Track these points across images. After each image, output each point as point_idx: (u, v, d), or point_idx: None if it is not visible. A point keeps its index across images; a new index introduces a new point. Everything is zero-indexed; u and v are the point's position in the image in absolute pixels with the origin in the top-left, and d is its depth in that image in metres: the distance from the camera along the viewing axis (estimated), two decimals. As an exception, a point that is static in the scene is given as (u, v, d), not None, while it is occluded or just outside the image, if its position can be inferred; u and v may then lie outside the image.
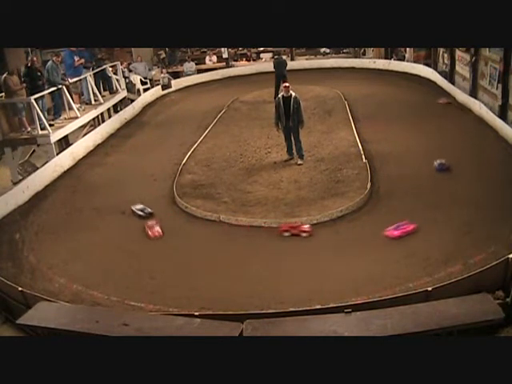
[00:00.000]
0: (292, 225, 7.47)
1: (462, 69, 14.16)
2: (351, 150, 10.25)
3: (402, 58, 17.95)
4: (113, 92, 15.10)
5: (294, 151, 10.05)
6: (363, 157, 9.72)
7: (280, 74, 14.61)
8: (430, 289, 4.83)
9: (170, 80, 18.05)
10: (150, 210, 8.45)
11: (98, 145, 12.54)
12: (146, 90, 17.54)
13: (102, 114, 14.06)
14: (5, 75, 11.14)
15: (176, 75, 19.28)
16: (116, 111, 15.07)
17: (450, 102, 13.15)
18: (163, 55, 20.36)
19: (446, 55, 15.61)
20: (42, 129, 10.84)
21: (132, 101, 15.95)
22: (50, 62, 11.99)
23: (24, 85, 11.28)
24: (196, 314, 4.86)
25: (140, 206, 8.54)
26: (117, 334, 4.52)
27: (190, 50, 20.75)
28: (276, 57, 15.64)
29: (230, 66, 20.08)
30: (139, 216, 8.35)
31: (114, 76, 15.30)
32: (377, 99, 14.20)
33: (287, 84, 10.09)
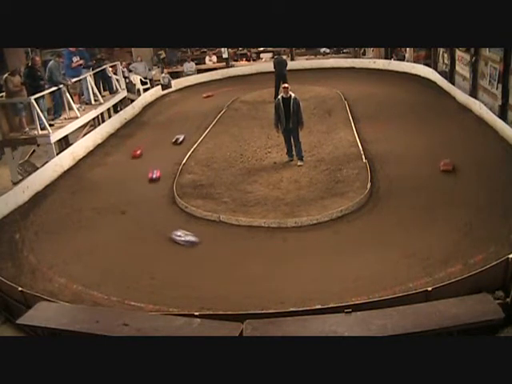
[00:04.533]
0: None
1: (462, 69, 14.16)
2: (351, 150, 10.25)
3: (402, 58, 17.94)
4: (113, 92, 15.08)
5: (294, 153, 10.05)
6: (363, 157, 9.72)
7: (280, 73, 14.59)
8: (429, 289, 4.82)
9: (170, 80, 18.04)
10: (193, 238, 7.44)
11: (98, 145, 12.53)
12: (146, 89, 17.53)
13: (102, 113, 14.05)
14: (6, 75, 11.12)
15: (176, 75, 19.29)
16: (116, 111, 15.05)
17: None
18: (163, 55, 20.36)
19: (445, 55, 15.61)
20: (42, 129, 10.83)
21: (132, 101, 15.95)
22: (52, 62, 11.98)
23: (23, 86, 11.24)
24: (196, 314, 4.85)
25: (179, 233, 7.54)
26: (117, 334, 4.51)
27: (190, 50, 20.74)
28: (276, 57, 15.62)
29: (230, 66, 20.08)
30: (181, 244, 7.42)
31: (114, 76, 15.29)
32: (377, 99, 14.19)
33: (286, 85, 10.05)
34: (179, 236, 7.45)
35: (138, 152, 11.61)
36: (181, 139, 12.24)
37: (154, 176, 10.00)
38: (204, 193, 9.02)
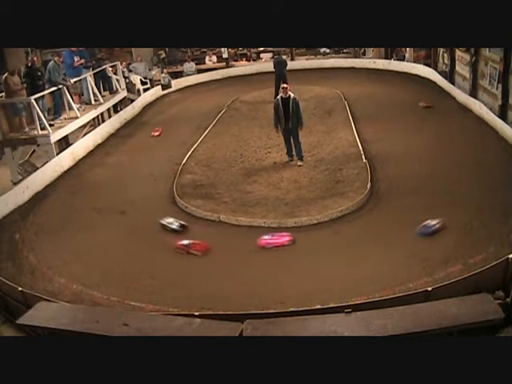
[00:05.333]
0: None
1: (462, 69, 14.17)
2: (351, 150, 10.25)
3: (402, 58, 17.95)
4: (113, 92, 15.10)
5: (294, 153, 10.04)
6: (363, 157, 9.72)
7: (280, 73, 14.59)
8: (429, 289, 4.82)
9: (170, 80, 18.05)
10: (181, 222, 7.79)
11: (98, 145, 12.54)
12: (146, 89, 17.54)
13: (102, 113, 14.06)
14: (5, 75, 11.15)
15: (176, 75, 19.29)
16: (116, 111, 15.06)
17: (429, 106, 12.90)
18: (163, 55, 20.37)
19: (446, 55, 15.62)
20: (42, 129, 10.84)
21: (132, 101, 15.96)
22: (51, 62, 12.00)
23: (24, 85, 11.29)
24: (196, 313, 4.85)
25: (170, 220, 7.77)
26: (117, 334, 4.51)
27: (190, 49, 20.75)
28: (276, 57, 15.64)
29: (230, 66, 20.08)
30: (172, 230, 7.67)
31: (114, 76, 15.31)
32: (377, 99, 14.19)
33: (285, 85, 10.05)
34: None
35: None
36: None
37: None
38: (204, 193, 9.02)
